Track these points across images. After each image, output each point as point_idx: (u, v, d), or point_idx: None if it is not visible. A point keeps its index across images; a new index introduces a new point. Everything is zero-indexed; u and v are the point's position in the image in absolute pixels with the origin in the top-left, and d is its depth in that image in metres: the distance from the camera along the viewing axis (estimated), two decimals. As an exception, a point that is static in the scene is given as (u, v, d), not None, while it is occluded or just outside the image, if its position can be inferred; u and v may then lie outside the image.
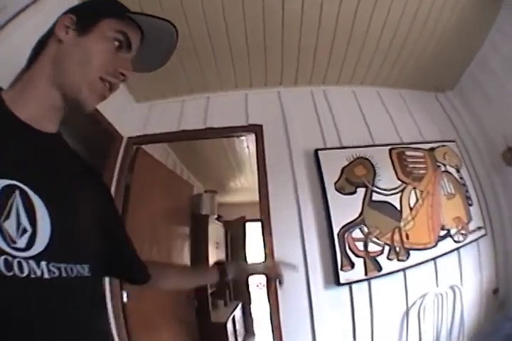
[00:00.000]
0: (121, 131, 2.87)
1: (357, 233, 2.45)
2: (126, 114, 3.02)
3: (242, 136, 3.14)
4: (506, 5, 2.51)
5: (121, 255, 0.93)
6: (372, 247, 2.43)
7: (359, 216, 2.49)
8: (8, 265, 0.52)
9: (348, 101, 3.03)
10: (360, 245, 2.43)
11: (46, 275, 0.57)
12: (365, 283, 2.40)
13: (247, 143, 3.52)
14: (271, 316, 2.35)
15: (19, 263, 0.54)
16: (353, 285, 2.39)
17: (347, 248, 2.40)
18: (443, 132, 3.04)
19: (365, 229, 2.47)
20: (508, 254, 2.69)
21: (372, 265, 2.36)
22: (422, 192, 2.63)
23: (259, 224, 2.63)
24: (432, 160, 2.78)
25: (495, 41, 2.72)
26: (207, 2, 2.24)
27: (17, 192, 0.58)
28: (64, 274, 0.61)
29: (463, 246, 2.60)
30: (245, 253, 6.26)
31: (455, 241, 2.57)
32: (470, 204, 2.73)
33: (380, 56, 2.82)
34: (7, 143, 0.65)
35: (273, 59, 2.76)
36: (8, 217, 0.56)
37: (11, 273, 0.52)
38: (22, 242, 0.56)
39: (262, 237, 2.52)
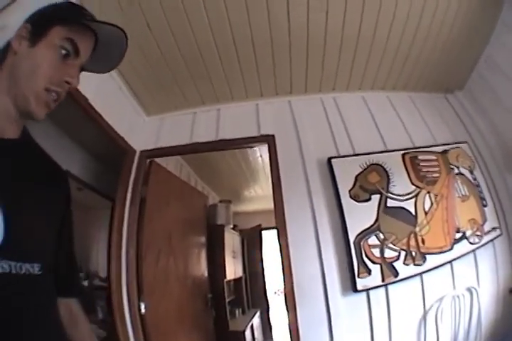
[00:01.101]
0: (134, 144, 2.96)
1: (373, 240, 2.52)
2: (138, 127, 3.11)
3: (254, 146, 3.22)
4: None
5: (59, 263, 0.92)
6: (389, 253, 2.49)
7: (374, 223, 2.55)
8: None
9: (359, 108, 3.12)
10: (376, 251, 2.49)
11: None
12: (382, 289, 2.46)
13: (260, 152, 3.60)
14: (289, 323, 2.42)
15: None
16: (370, 292, 2.45)
17: (363, 255, 2.46)
18: (455, 133, 3.10)
19: (381, 236, 2.53)
20: None
21: (389, 271, 2.43)
22: (436, 195, 2.69)
23: (274, 231, 2.70)
24: (444, 163, 2.84)
25: (500, 38, 2.77)
26: (213, 16, 2.34)
27: None
28: (13, 271, 0.68)
29: (479, 247, 2.65)
30: (262, 262, 6.38)
31: (471, 243, 2.62)
32: (484, 205, 2.78)
33: (388, 60, 2.90)
34: None
35: (281, 68, 2.86)
36: None
37: None
38: None
39: (278, 245, 2.60)
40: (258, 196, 6.18)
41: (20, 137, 0.88)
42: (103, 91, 2.70)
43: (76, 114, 2.64)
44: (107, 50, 0.99)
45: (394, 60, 2.90)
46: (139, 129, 3.09)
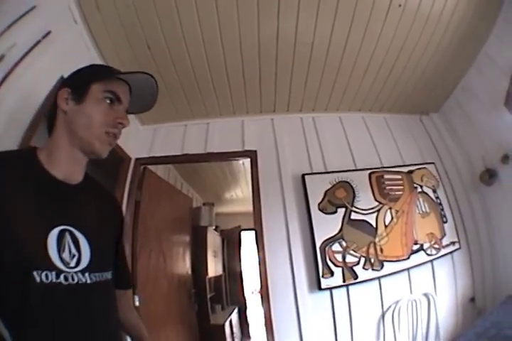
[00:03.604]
0: (129, 152, 3.30)
1: (336, 246, 2.89)
2: (133, 136, 3.42)
3: (239, 160, 3.61)
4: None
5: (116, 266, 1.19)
6: (350, 258, 2.86)
7: (339, 232, 2.93)
8: (66, 278, 0.89)
9: (335, 128, 3.52)
10: (339, 256, 2.86)
11: (89, 281, 0.95)
12: (344, 289, 2.84)
13: (242, 160, 3.92)
14: (264, 315, 2.81)
15: (72, 276, 0.91)
16: (333, 291, 2.83)
17: (327, 259, 2.84)
18: (424, 154, 3.50)
19: (344, 243, 2.90)
20: (484, 265, 3.09)
21: (350, 273, 2.80)
22: (397, 211, 3.08)
23: (253, 232, 3.12)
24: (408, 182, 3.24)
25: (480, 68, 3.10)
26: (206, 35, 2.67)
27: (67, 233, 0.95)
28: (98, 279, 0.98)
29: (436, 258, 3.02)
30: (241, 261, 6.84)
31: (428, 255, 3.00)
32: (445, 222, 3.17)
33: (368, 83, 3.25)
34: (52, 198, 0.98)
35: (267, 87, 3.21)
36: (64, 250, 0.92)
37: (67, 283, 0.89)
38: (73, 262, 0.93)
39: (256, 248, 3.00)
40: (238, 199, 6.55)
41: (84, 177, 1.14)
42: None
43: None
44: (140, 93, 1.20)
45: (373, 83, 3.26)
46: (134, 137, 3.41)
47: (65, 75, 2.52)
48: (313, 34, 2.72)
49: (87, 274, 0.95)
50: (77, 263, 0.94)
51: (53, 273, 0.86)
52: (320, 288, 2.78)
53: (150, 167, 3.47)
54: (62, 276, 0.88)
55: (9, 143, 2.27)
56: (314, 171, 3.22)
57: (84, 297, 0.93)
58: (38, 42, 2.48)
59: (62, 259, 0.90)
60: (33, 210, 0.92)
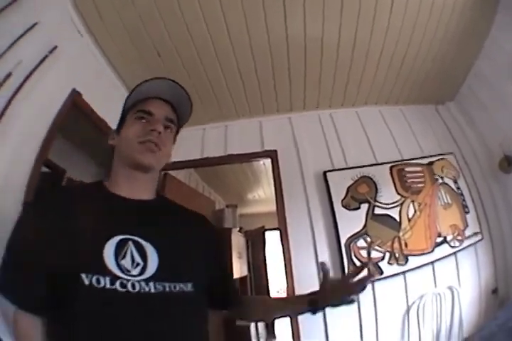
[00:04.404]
0: None
1: (361, 242, 2.92)
2: None
3: (259, 160, 3.68)
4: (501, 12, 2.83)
5: (212, 284, 1.17)
6: (375, 254, 2.89)
7: (363, 228, 2.97)
8: (123, 285, 0.90)
9: (353, 123, 3.55)
10: (364, 253, 2.90)
11: (153, 291, 0.94)
12: (369, 286, 2.85)
13: (263, 161, 3.95)
14: (290, 318, 2.78)
15: (132, 283, 0.92)
16: None
17: (353, 255, 2.87)
18: (442, 144, 3.50)
19: (368, 239, 2.94)
20: (507, 256, 3.06)
21: (375, 269, 2.83)
22: (419, 204, 3.10)
23: (277, 232, 3.15)
24: (429, 174, 3.25)
25: (490, 53, 3.08)
26: (216, 41, 2.75)
27: (130, 242, 0.99)
28: (167, 289, 0.97)
29: (459, 250, 3.02)
30: (266, 261, 6.87)
31: (451, 247, 3.00)
32: (467, 212, 3.16)
33: (381, 76, 3.26)
34: (118, 212, 1.08)
35: (281, 87, 3.27)
36: (124, 257, 0.96)
37: (124, 290, 0.90)
38: (136, 271, 0.95)
39: (281, 247, 3.02)
40: (261, 199, 6.63)
41: (155, 197, 1.23)
42: (119, 112, 3.20)
43: (93, 134, 3.16)
44: (175, 98, 1.28)
45: (386, 75, 3.26)
46: None
47: (77, 88, 2.81)
48: (321, 30, 2.75)
49: (151, 283, 0.96)
50: (142, 272, 0.97)
51: (107, 278, 0.90)
52: None
53: (171, 172, 3.55)
54: (118, 283, 0.91)
55: (26, 158, 2.39)
56: (336, 168, 3.25)
57: (145, 305, 0.93)
58: (45, 57, 2.54)
59: (119, 266, 0.94)
60: (94, 222, 1.00)
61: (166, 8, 2.55)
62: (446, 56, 3.17)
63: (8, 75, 2.24)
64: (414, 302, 2.88)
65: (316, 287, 2.63)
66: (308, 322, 2.81)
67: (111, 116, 2.82)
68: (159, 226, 1.11)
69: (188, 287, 1.03)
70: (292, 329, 2.85)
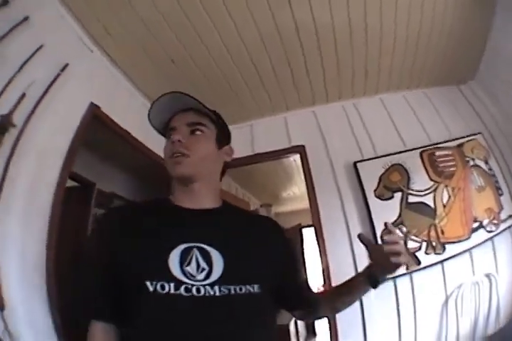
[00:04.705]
0: None
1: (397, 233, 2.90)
2: None
3: (288, 157, 3.70)
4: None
5: (286, 289, 1.21)
6: (412, 244, 2.85)
7: (398, 218, 2.94)
8: (188, 289, 0.93)
9: (378, 110, 3.52)
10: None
11: (218, 294, 0.95)
12: (407, 277, 2.83)
13: (293, 157, 3.90)
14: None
15: (197, 288, 0.94)
16: (397, 280, 2.83)
17: None
18: (469, 125, 3.42)
19: (404, 229, 2.90)
20: None
21: (412, 260, 2.80)
22: (453, 188, 3.04)
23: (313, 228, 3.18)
24: (460, 157, 3.19)
25: (502, 22, 2.95)
26: (227, 40, 2.76)
27: (195, 249, 1.01)
28: (232, 292, 0.97)
29: (496, 235, 2.96)
30: (303, 258, 6.81)
31: (488, 232, 2.94)
32: (500, 194, 3.10)
33: (399, 60, 3.19)
34: (182, 223, 1.11)
35: (301, 81, 3.28)
36: (189, 264, 0.98)
37: (189, 294, 0.92)
38: (201, 276, 0.97)
39: (316, 243, 3.07)
40: (296, 196, 6.56)
41: (220, 205, 1.23)
42: (143, 122, 3.26)
43: (117, 144, 3.28)
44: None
45: (404, 58, 3.19)
46: None
47: (95, 101, 2.89)
48: (330, 17, 2.69)
49: (216, 287, 0.98)
50: (207, 277, 0.99)
51: (171, 284, 0.94)
52: None
53: None
54: (182, 288, 0.94)
55: (50, 173, 2.50)
56: (365, 157, 3.25)
57: (210, 308, 0.95)
58: (58, 75, 2.59)
59: (184, 272, 0.98)
60: (160, 233, 1.06)
61: (172, 15, 2.58)
62: (459, 32, 3.07)
63: (22, 96, 2.33)
64: (452, 292, 2.86)
65: None
66: (346, 318, 2.83)
67: (133, 125, 3.15)
68: (224, 232, 1.13)
69: (255, 288, 1.03)
70: (330, 327, 2.89)
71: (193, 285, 0.96)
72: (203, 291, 0.96)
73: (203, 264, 1.02)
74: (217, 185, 1.30)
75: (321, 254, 3.02)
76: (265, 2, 2.51)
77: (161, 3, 2.51)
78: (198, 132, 1.21)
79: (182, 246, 1.04)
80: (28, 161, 2.32)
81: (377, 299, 2.80)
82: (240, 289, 1.00)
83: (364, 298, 2.51)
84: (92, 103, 2.86)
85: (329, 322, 2.89)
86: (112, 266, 1.00)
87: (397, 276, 2.81)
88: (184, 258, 1.01)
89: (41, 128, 2.40)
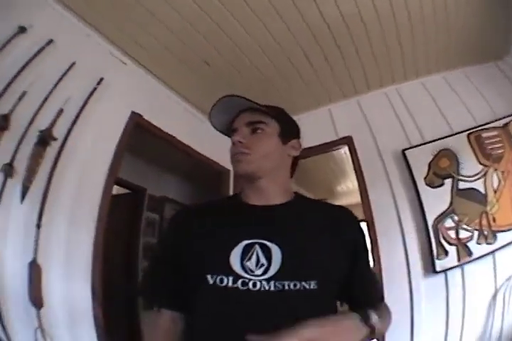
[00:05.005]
0: (227, 165, 3.52)
1: (449, 222, 2.83)
2: (225, 149, 3.67)
3: (336, 149, 3.77)
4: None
5: (350, 283, 1.15)
6: (463, 234, 2.79)
7: (449, 206, 2.89)
8: (245, 283, 0.97)
9: (420, 95, 3.48)
10: (452, 233, 2.81)
11: (272, 289, 0.97)
12: (459, 269, 2.77)
13: (344, 150, 3.88)
14: None
15: (254, 282, 0.98)
16: (448, 272, 2.78)
17: (441, 237, 2.81)
18: None
19: (456, 218, 2.84)
20: None
21: (464, 251, 2.75)
22: (502, 172, 2.92)
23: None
24: (507, 137, 3.03)
25: None
26: (257, 37, 2.88)
27: (257, 245, 1.05)
28: (286, 287, 0.98)
29: None
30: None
31: None
32: None
33: (432, 41, 3.15)
34: (247, 219, 1.16)
35: (340, 72, 3.36)
36: (249, 258, 1.02)
37: (245, 288, 0.96)
38: (259, 271, 1.00)
39: (368, 234, 2.99)
40: (350, 190, 6.49)
41: (291, 199, 1.25)
42: (187, 125, 3.46)
43: (164, 149, 3.45)
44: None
45: (437, 38, 3.13)
46: (227, 150, 3.60)
47: (136, 110, 3.10)
48: (355, 5, 2.69)
49: (272, 282, 1.00)
50: (265, 272, 1.02)
51: (230, 278, 0.99)
52: (435, 271, 2.78)
53: None
54: (240, 281, 0.99)
55: (95, 179, 2.82)
56: (413, 144, 3.22)
57: (263, 303, 0.98)
58: (94, 89, 2.82)
59: (244, 267, 1.02)
60: (225, 230, 1.13)
61: (199, 19, 2.72)
62: (488, 6, 2.95)
63: (60, 111, 2.58)
64: (502, 285, 2.74)
65: (403, 275, 2.92)
66: (394, 309, 2.79)
67: (177, 129, 3.38)
68: (287, 227, 1.15)
69: (311, 285, 1.03)
70: None
71: (250, 279, 1.00)
72: (258, 286, 1.00)
73: (262, 260, 1.05)
74: (285, 179, 1.31)
75: (372, 248, 3.02)
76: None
77: (185, 11, 2.66)
78: (258, 131, 1.24)
79: (244, 243, 1.08)
80: (72, 170, 2.64)
81: (427, 294, 2.85)
82: (295, 285, 1.01)
83: (415, 293, 2.85)
84: (133, 112, 3.03)
85: None
86: (180, 260, 1.09)
87: (448, 269, 2.79)
88: (245, 254, 1.06)
89: (83, 139, 2.73)
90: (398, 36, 3.05)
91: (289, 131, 1.32)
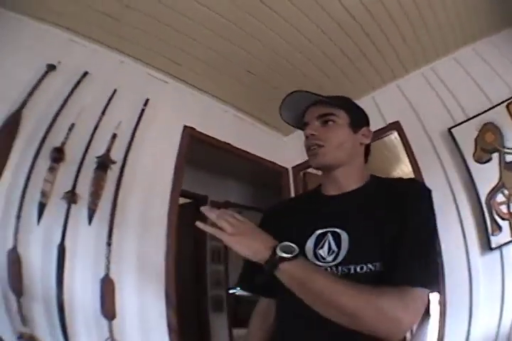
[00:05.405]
0: (284, 164, 3.86)
1: (500, 197, 2.83)
2: (280, 148, 3.96)
3: (386, 136, 3.92)
4: None
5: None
6: None
7: (499, 180, 2.88)
8: None
9: (455, 70, 3.49)
10: (504, 208, 2.79)
11: (339, 273, 1.05)
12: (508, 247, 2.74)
13: (393, 135, 3.98)
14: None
15: (325, 269, 1.07)
16: (503, 249, 2.78)
17: (494, 213, 2.81)
18: None
19: (506, 192, 2.83)
20: None
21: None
22: None
23: None
24: None
25: None
26: (287, 37, 3.04)
27: (329, 234, 1.14)
28: (352, 271, 1.05)
29: None
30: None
31: None
32: None
33: (453, 14, 3.16)
34: (322, 209, 1.26)
35: (374, 59, 3.52)
36: (322, 247, 1.13)
37: None
38: (330, 258, 1.10)
39: None
40: (405, 174, 6.35)
41: (364, 183, 1.28)
42: (240, 131, 3.77)
43: (220, 156, 3.79)
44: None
45: (457, 10, 3.13)
46: (283, 150, 3.92)
47: (187, 123, 3.39)
48: None
49: (340, 267, 1.08)
50: (335, 258, 1.11)
51: None
52: (490, 248, 2.80)
53: (309, 170, 3.86)
54: None
55: (161, 192, 3.14)
56: (458, 122, 3.24)
57: None
58: (143, 111, 3.09)
59: (316, 255, 1.13)
60: (304, 221, 1.23)
61: (234, 31, 2.94)
62: None
63: (114, 136, 2.87)
64: None
65: (461, 252, 2.98)
66: (454, 288, 2.92)
67: (230, 136, 3.69)
68: (355, 213, 1.19)
69: (377, 267, 1.05)
70: (439, 303, 2.96)
71: (321, 266, 1.09)
72: (328, 271, 1.09)
73: (333, 247, 1.13)
74: (360, 166, 1.34)
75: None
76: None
77: (218, 27, 2.92)
78: (329, 122, 1.27)
79: (318, 232, 1.18)
80: (136, 188, 2.97)
81: (484, 269, 2.87)
82: (361, 268, 1.06)
83: (473, 270, 2.88)
84: (185, 126, 3.27)
85: (440, 295, 2.95)
86: None
87: (503, 245, 2.79)
88: (318, 243, 1.16)
89: (142, 158, 3.04)
90: (421, 15, 3.09)
91: (359, 119, 1.37)
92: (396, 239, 1.06)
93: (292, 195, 3.82)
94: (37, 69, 2.66)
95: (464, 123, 3.23)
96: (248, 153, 3.76)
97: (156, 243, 3.00)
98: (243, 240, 1.03)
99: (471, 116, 3.23)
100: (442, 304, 2.92)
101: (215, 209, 1.10)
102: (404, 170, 6.32)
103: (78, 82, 2.90)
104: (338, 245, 1.12)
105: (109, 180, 2.80)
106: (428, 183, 2.68)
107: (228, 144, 3.58)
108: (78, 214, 2.60)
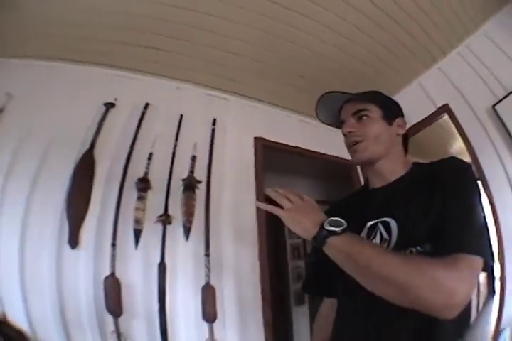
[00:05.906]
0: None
1: None
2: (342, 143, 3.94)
3: (438, 119, 3.94)
4: None
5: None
6: None
7: None
8: None
9: (487, 45, 3.45)
10: None
11: None
12: None
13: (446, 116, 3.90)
14: (500, 272, 2.83)
15: None
16: None
17: None
18: None
19: None
20: None
21: None
22: None
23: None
24: None
25: None
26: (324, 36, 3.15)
27: (379, 224, 1.20)
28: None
29: None
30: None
31: None
32: None
33: None
34: (371, 202, 1.33)
35: (411, 45, 3.60)
36: (374, 236, 1.19)
37: None
38: (384, 245, 1.15)
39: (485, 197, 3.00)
40: (462, 149, 6.10)
41: (405, 173, 1.33)
42: (309, 135, 4.13)
43: (297, 159, 4.11)
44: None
45: None
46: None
47: (257, 135, 3.79)
48: None
49: None
50: (388, 245, 1.14)
51: None
52: None
53: None
54: None
55: (248, 202, 3.43)
56: (500, 98, 3.19)
57: None
58: (213, 130, 3.36)
59: None
60: (355, 215, 1.25)
61: (276, 42, 3.16)
62: None
63: (194, 158, 3.14)
64: None
65: None
66: None
67: (298, 140, 4.01)
68: (400, 201, 1.22)
69: (427, 248, 1.04)
70: (501, 286, 2.92)
71: None
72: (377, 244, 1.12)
73: (385, 235, 1.17)
74: (400, 157, 1.40)
75: (491, 209, 3.01)
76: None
77: (260, 41, 3.11)
78: (364, 118, 1.34)
79: (369, 224, 1.24)
80: (224, 201, 3.11)
81: None
82: (411, 252, 1.06)
83: None
84: (255, 138, 3.37)
85: (500, 280, 2.93)
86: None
87: None
88: (370, 234, 1.21)
89: (224, 173, 3.16)
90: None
91: (391, 111, 1.41)
92: (442, 215, 1.06)
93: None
94: (97, 109, 2.92)
95: (506, 99, 3.18)
96: (318, 152, 4.08)
97: (248, 248, 3.24)
98: (296, 216, 1.11)
99: (510, 90, 3.17)
100: (503, 280, 2.89)
101: (278, 188, 1.21)
102: (460, 145, 6.25)
103: (143, 114, 3.11)
104: (389, 233, 1.17)
105: (198, 198, 3.05)
106: (483, 162, 3.33)
107: (297, 147, 3.64)
108: (174, 233, 2.86)
